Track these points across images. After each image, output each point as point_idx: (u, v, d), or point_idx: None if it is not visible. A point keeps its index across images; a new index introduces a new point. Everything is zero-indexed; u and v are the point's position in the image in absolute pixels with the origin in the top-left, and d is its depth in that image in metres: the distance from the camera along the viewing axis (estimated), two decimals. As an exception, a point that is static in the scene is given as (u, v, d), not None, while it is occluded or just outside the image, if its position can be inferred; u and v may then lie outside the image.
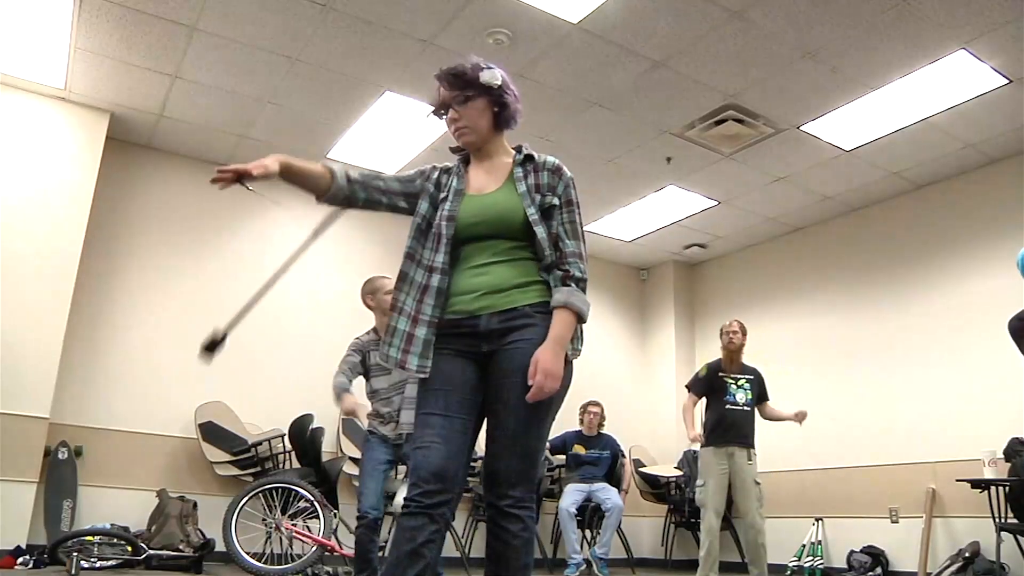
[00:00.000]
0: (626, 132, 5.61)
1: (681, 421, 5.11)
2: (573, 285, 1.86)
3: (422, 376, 1.87)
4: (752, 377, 4.95)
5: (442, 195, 1.97)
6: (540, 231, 1.89)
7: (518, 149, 2.05)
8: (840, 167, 5.97)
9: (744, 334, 4.98)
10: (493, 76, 1.97)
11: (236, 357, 5.88)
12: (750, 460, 4.73)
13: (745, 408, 4.83)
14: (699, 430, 4.85)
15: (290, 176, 1.92)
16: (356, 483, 5.90)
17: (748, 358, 5.04)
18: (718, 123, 5.41)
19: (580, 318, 1.85)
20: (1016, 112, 5.09)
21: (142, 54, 4.83)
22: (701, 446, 4.84)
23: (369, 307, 3.77)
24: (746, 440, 4.77)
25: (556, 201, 1.94)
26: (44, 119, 5.33)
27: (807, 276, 7.08)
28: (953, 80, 4.76)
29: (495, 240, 1.91)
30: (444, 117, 2.01)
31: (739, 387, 4.87)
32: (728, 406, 4.80)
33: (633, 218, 7.06)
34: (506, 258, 1.90)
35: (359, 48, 4.71)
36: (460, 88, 1.95)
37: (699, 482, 4.84)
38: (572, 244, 1.92)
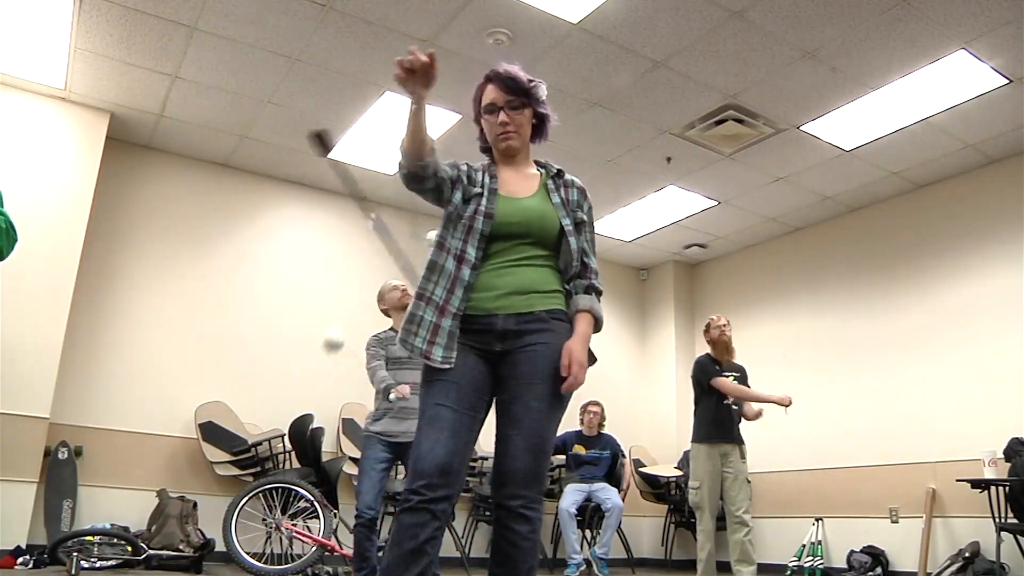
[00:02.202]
0: (626, 132, 5.61)
1: (682, 420, 5.05)
2: (594, 295, 1.99)
3: (447, 367, 1.84)
4: (739, 374, 4.86)
5: (475, 190, 1.97)
6: (573, 241, 1.97)
7: (542, 164, 2.12)
8: (840, 167, 5.97)
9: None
10: (544, 91, 2.07)
11: (236, 357, 5.91)
12: (743, 458, 4.64)
13: (735, 405, 4.74)
14: (773, 394, 4.63)
15: (420, 112, 1.83)
16: (356, 483, 5.94)
17: (748, 358, 5.02)
18: (718, 123, 5.41)
19: (598, 324, 1.96)
20: (1016, 112, 5.09)
21: (142, 54, 4.83)
22: (692, 442, 4.73)
23: (385, 312, 3.88)
24: (738, 437, 4.68)
25: (584, 218, 2.05)
26: (44, 119, 5.33)
27: (807, 276, 7.08)
28: (953, 80, 4.76)
29: (526, 242, 1.94)
30: (488, 116, 2.03)
31: None
32: (725, 401, 4.69)
33: (633, 218, 7.06)
34: (532, 263, 1.94)
35: (359, 48, 4.71)
36: (516, 94, 2.01)
37: (693, 483, 4.70)
38: (594, 260, 2.05)
